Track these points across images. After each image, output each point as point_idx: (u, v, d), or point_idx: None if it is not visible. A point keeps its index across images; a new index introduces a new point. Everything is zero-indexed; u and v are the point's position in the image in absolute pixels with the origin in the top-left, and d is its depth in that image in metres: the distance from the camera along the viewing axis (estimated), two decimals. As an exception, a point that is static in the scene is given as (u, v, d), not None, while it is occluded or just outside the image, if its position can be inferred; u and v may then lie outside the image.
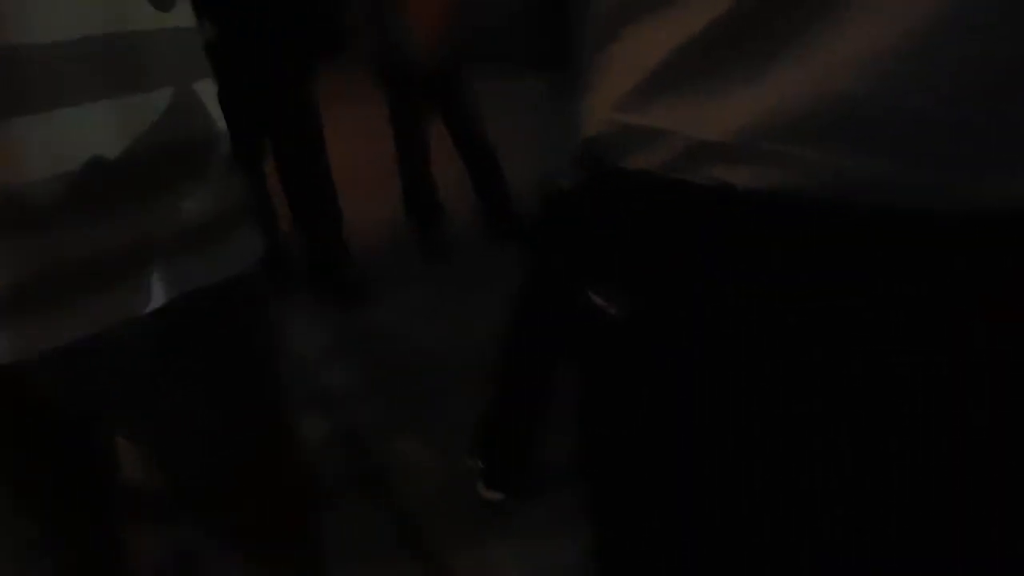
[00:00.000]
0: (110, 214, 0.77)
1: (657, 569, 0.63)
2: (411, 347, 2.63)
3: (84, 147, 0.75)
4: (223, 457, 0.93)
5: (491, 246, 3.20)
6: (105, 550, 0.98)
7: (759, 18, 0.47)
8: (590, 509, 0.72)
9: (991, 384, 0.48)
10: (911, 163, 0.45)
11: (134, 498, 1.06)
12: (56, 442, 0.91)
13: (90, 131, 0.75)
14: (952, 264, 0.47)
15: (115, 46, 0.75)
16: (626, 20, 0.55)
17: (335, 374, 2.51)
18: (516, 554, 1.82)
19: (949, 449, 0.50)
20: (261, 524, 1.00)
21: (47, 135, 0.72)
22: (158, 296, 0.80)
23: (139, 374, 0.84)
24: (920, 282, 0.47)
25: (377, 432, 2.22)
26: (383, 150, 3.26)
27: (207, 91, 0.85)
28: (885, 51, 0.44)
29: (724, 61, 0.49)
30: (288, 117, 2.76)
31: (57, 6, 0.72)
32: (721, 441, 0.54)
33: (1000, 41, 0.43)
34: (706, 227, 0.52)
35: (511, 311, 1.87)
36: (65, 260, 0.75)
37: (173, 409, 0.89)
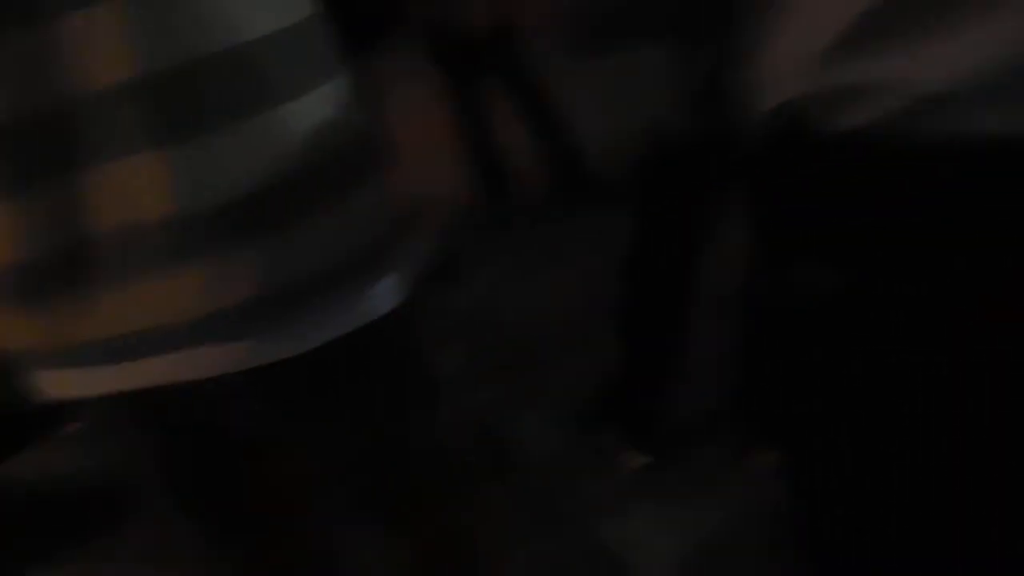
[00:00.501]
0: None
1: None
2: (506, 322, 2.61)
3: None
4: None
5: (565, 211, 3.15)
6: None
7: None
8: (795, 486, 0.70)
9: None
10: None
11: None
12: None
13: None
14: None
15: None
16: None
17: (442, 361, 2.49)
18: (659, 518, 1.80)
19: None
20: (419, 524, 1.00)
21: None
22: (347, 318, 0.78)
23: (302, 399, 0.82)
24: None
25: (498, 413, 2.21)
26: (445, 125, 3.23)
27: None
28: None
29: None
30: None
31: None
32: (940, 423, 0.51)
33: None
34: (939, 189, 0.48)
35: (626, 270, 1.82)
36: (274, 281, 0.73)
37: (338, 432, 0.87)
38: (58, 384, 0.80)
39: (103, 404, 0.79)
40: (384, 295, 0.80)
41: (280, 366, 0.76)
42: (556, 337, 2.43)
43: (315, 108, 0.74)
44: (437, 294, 2.85)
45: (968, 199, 0.47)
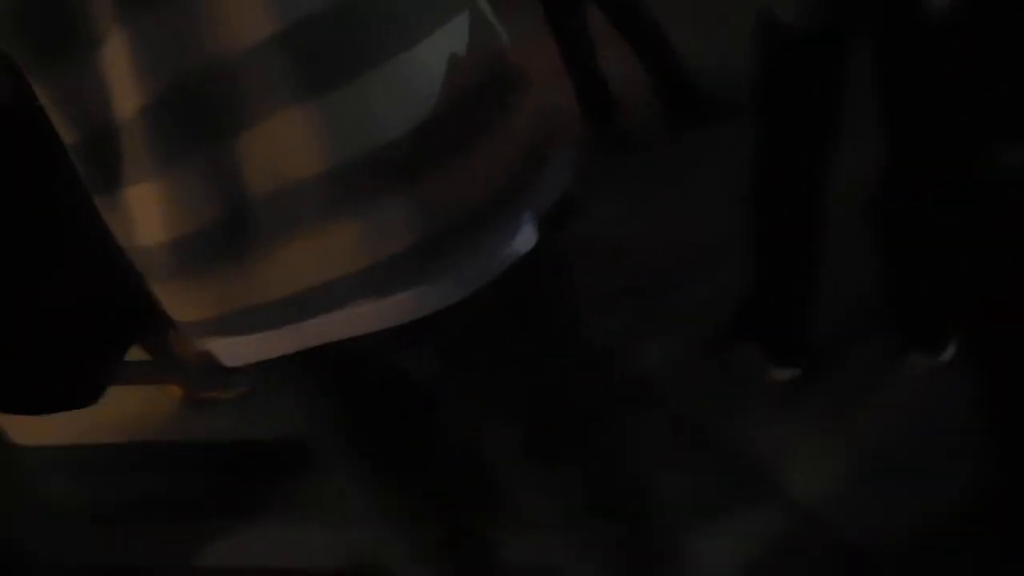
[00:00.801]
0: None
1: None
2: (630, 248, 2.58)
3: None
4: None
5: (679, 132, 3.07)
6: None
7: None
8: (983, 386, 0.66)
9: None
10: None
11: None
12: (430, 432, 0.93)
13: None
14: None
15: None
16: None
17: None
18: (812, 433, 1.77)
19: None
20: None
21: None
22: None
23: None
24: None
25: (633, 343, 2.19)
26: (545, 53, 3.18)
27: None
28: None
29: None
30: None
31: None
32: None
33: None
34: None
35: (754, 182, 1.76)
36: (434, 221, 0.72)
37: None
38: (231, 351, 0.82)
39: (275, 365, 0.81)
40: (528, 228, 0.78)
41: (443, 314, 0.76)
42: (683, 260, 2.40)
43: (452, 41, 0.72)
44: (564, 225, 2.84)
45: None
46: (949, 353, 1.78)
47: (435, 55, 0.71)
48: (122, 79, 0.68)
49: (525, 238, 0.77)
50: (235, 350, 0.82)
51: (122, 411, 2.56)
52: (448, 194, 0.72)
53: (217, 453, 2.39)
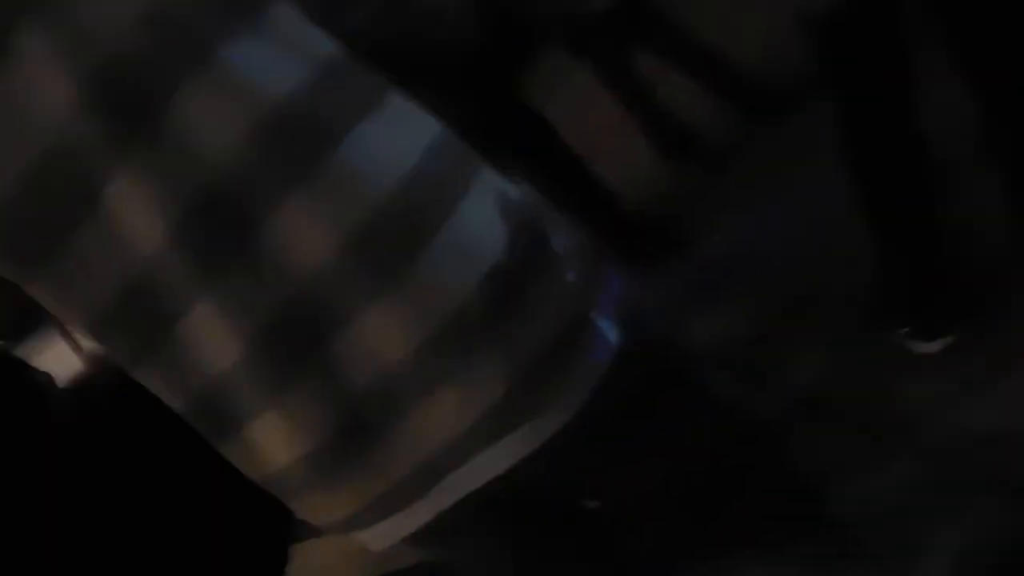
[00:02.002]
0: None
1: None
2: (756, 260, 2.55)
3: None
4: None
5: (756, 133, 3.04)
6: None
7: None
8: None
9: None
10: None
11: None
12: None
13: None
14: None
15: None
16: None
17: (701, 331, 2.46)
18: (970, 399, 1.70)
19: None
20: None
21: None
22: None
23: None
24: None
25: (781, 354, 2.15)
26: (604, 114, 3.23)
27: None
28: None
29: None
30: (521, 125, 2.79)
31: None
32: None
33: None
34: None
35: (858, 159, 1.72)
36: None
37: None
38: (376, 538, 0.88)
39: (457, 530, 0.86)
40: (607, 335, 0.82)
41: (566, 433, 0.80)
42: (807, 259, 2.34)
43: (484, 198, 0.79)
44: (673, 267, 2.84)
45: None
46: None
47: (478, 213, 0.77)
48: (215, 336, 0.75)
49: (606, 345, 0.81)
50: (380, 535, 0.87)
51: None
52: (525, 334, 0.77)
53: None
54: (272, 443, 0.80)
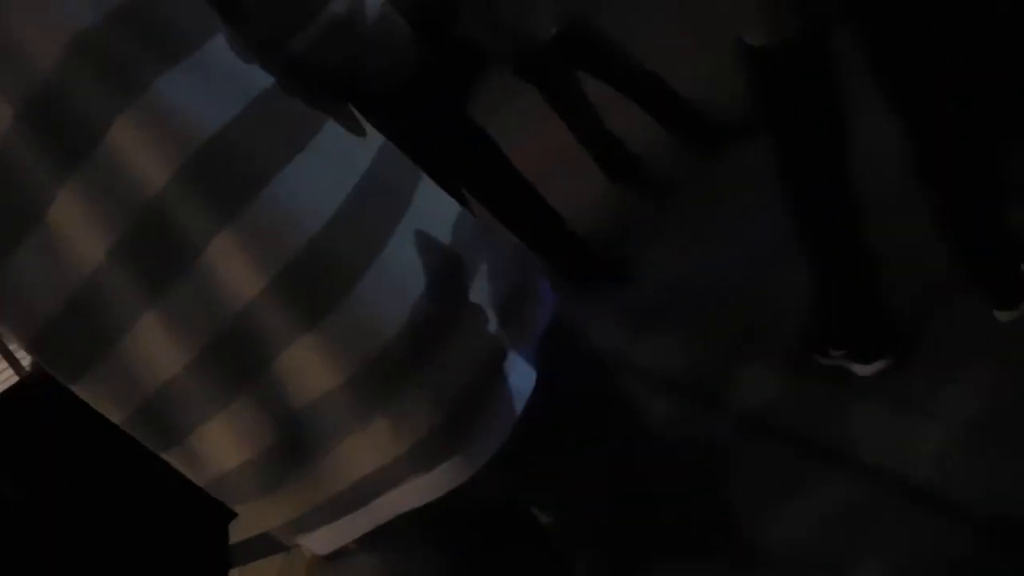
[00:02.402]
0: None
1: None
2: (693, 289, 2.59)
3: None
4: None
5: (702, 163, 3.10)
6: None
7: None
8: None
9: None
10: None
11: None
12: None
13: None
14: None
15: None
16: None
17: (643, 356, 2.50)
18: (911, 417, 1.74)
19: None
20: None
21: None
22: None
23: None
24: None
25: (723, 384, 2.18)
26: (552, 138, 3.27)
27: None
28: None
29: None
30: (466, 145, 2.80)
31: None
32: None
33: None
34: None
35: (787, 194, 1.77)
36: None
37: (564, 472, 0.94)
38: (318, 543, 0.90)
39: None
40: (527, 364, 0.86)
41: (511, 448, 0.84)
42: (747, 287, 2.39)
43: (419, 228, 0.82)
44: (615, 291, 2.87)
45: None
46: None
47: (407, 252, 0.80)
48: (160, 349, 0.77)
49: (528, 378, 0.85)
50: (321, 540, 0.89)
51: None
52: (450, 367, 0.80)
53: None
54: (216, 449, 0.82)
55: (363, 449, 0.80)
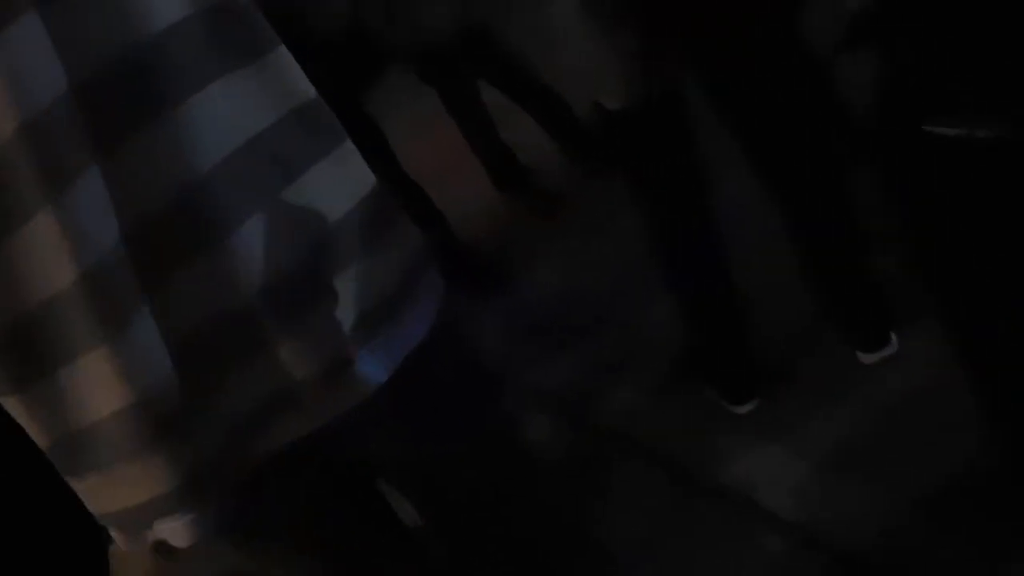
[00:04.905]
0: None
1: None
2: (573, 307, 2.60)
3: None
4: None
5: (589, 179, 3.13)
6: None
7: None
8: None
9: None
10: None
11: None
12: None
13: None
14: None
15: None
16: None
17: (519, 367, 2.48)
18: (780, 451, 1.79)
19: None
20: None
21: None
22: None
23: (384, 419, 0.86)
24: None
25: (597, 403, 2.19)
26: (445, 141, 3.23)
27: None
28: None
29: None
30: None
31: None
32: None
33: None
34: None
35: (651, 241, 1.81)
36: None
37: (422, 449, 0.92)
38: (182, 533, 0.86)
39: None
40: (417, 322, 0.87)
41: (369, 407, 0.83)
42: (623, 310, 2.41)
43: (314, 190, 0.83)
44: (494, 299, 2.85)
45: None
46: (893, 346, 1.83)
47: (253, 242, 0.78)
48: (47, 258, 0.72)
49: (415, 330, 0.86)
50: (180, 530, 0.85)
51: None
52: (333, 325, 0.81)
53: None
54: (96, 387, 0.75)
55: (139, 480, 0.79)
